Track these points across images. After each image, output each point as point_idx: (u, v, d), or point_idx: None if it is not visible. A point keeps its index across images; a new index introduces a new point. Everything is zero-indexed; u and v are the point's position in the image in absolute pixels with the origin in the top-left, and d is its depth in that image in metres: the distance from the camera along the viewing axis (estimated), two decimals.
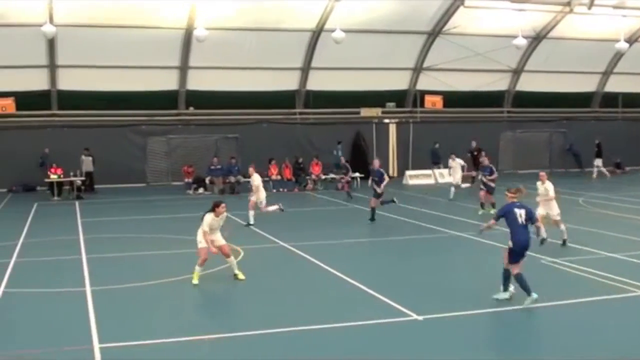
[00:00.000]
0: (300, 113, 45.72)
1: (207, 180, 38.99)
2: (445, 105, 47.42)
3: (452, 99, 47.51)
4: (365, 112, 46.52)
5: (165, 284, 17.09)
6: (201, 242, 17.11)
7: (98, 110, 41.78)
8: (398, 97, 47.90)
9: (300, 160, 40.59)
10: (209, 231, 17.07)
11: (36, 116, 41.59)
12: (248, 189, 37.83)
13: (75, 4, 36.99)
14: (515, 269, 14.52)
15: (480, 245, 21.29)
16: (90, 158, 39.36)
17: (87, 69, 40.64)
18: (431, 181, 43.20)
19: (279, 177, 39.92)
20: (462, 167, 35.55)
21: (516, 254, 14.62)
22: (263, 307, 15.06)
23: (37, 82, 40.94)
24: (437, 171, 43.64)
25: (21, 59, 39.26)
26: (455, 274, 18.22)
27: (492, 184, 28.81)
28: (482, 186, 29.16)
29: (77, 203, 34.53)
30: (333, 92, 45.33)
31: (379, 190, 26.92)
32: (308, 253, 20.57)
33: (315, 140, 44.01)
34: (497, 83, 49.19)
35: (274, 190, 38.81)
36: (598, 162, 45.93)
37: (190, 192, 38.36)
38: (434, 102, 47.17)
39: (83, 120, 41.88)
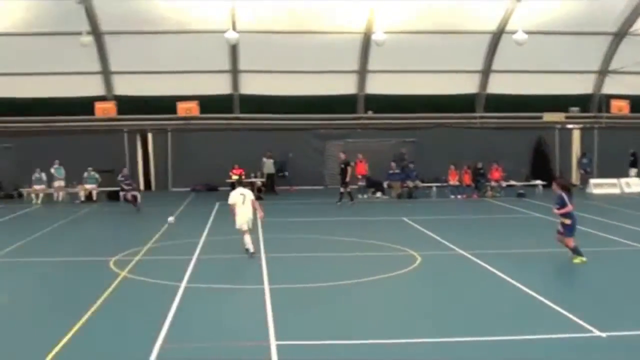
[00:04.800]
0: (481, 117, 44.86)
1: (385, 185, 38.84)
2: (632, 110, 45.22)
3: None
4: (548, 117, 45.14)
5: (344, 286, 17.06)
6: None
7: (278, 114, 42.51)
8: (582, 102, 46.14)
9: (480, 165, 39.64)
10: None
11: (219, 119, 42.88)
12: (425, 194, 38.13)
13: (257, 11, 37.89)
14: None
15: None
16: (271, 160, 40.25)
17: (266, 74, 41.52)
18: (616, 190, 41.19)
19: (457, 182, 39.23)
20: None
21: None
22: (436, 315, 14.79)
23: (220, 86, 42.19)
24: (623, 180, 41.66)
25: (205, 64, 40.67)
26: None
27: None
28: None
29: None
30: (514, 96, 44.08)
31: None
32: (485, 261, 19.92)
33: (496, 145, 43.06)
34: None
35: (452, 196, 38.40)
36: None
37: (365, 196, 38.34)
38: (620, 107, 45.14)
39: (264, 124, 42.79)
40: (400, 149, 41.13)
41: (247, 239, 20.90)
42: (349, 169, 35.32)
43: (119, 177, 34.07)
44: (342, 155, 36.36)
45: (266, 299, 15.49)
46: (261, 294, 15.90)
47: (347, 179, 34.95)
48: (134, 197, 33.27)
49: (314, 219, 30.04)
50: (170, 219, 27.54)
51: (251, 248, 20.81)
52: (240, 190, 21.44)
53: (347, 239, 24.30)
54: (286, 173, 41.84)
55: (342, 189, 35.06)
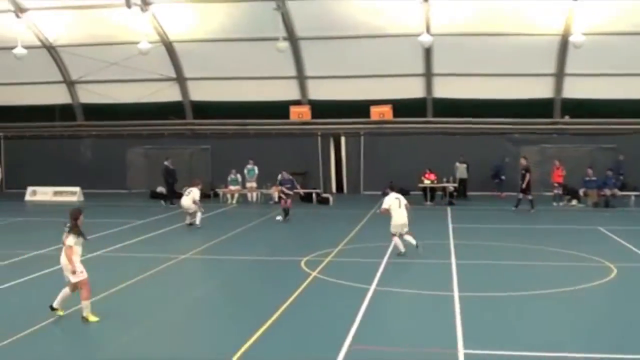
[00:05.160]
0: None
1: (581, 192, 37.54)
2: None
3: None
4: None
5: (535, 296, 16.63)
6: (82, 272, 14.34)
7: (471, 117, 42.00)
8: None
9: None
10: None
11: (412, 123, 42.90)
12: (624, 203, 36.51)
13: (452, 13, 37.61)
14: None
15: None
16: (464, 165, 39.85)
17: (461, 77, 41.16)
18: None
19: None
20: None
21: None
22: (631, 331, 14.07)
23: (413, 90, 42.19)
24: None
25: (398, 67, 40.84)
26: None
27: None
28: None
29: (448, 209, 34.98)
30: None
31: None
32: None
33: None
34: None
35: None
36: None
37: (561, 203, 37.19)
38: None
39: (458, 128, 42.43)
40: (618, 156, 39.64)
41: (398, 241, 21.73)
42: (528, 176, 34.54)
43: (279, 179, 33.63)
44: (523, 161, 35.65)
45: (455, 306, 15.33)
46: (450, 301, 15.76)
47: (524, 185, 34.29)
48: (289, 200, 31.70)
49: (505, 226, 29.50)
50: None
51: (402, 249, 21.65)
52: (394, 194, 22.26)
53: (539, 247, 23.71)
54: (503, 177, 41.13)
55: (520, 196, 34.44)
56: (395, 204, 21.88)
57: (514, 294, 16.71)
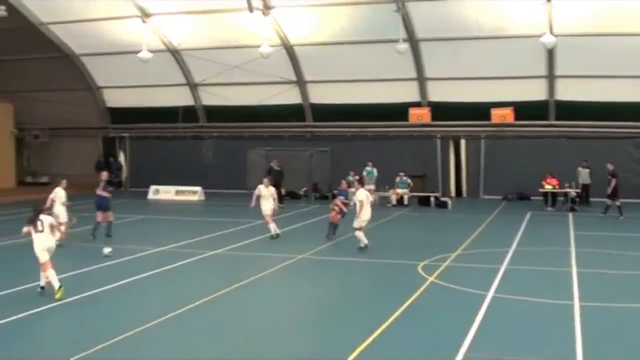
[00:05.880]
0: None
1: None
2: None
3: None
4: None
5: None
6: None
7: (595, 120, 40.80)
8: None
9: None
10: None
11: (534, 126, 42.07)
12: None
13: (575, 13, 36.67)
14: None
15: None
16: (587, 170, 38.73)
17: (585, 79, 40.06)
18: None
19: None
20: None
21: None
22: None
23: (535, 92, 41.35)
24: None
25: (520, 69, 40.12)
26: None
27: None
28: None
29: (570, 215, 34.14)
30: None
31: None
32: None
33: None
34: None
35: None
36: None
37: None
38: None
39: (581, 132, 41.33)
40: None
41: (361, 235, 23.02)
42: (614, 181, 33.46)
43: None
44: (610, 166, 34.46)
45: (575, 315, 14.92)
46: (570, 310, 15.34)
47: (609, 192, 33.27)
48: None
49: (629, 234, 28.21)
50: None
51: (365, 241, 22.94)
52: (364, 190, 23.98)
53: None
54: None
55: (608, 202, 33.32)
56: (366, 199, 23.12)
57: (637, 305, 16.16)
